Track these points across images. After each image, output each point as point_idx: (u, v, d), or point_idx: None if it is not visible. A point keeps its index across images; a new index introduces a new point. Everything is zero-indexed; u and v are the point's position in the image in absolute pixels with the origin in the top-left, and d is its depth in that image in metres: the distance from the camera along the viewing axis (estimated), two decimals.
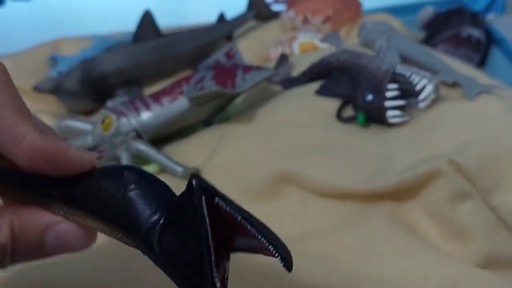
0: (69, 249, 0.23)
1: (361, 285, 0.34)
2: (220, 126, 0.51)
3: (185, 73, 0.69)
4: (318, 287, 0.35)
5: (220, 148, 0.47)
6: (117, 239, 0.22)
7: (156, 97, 0.51)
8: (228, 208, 0.19)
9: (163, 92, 0.51)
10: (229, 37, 0.74)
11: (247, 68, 0.50)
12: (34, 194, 0.23)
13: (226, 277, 0.21)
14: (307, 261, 0.37)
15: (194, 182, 0.19)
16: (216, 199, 0.19)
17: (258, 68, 0.51)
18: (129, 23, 0.79)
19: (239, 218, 0.19)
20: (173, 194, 0.22)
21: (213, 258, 0.19)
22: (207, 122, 0.55)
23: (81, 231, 0.23)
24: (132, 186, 0.21)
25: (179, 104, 0.49)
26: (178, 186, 0.46)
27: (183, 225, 0.20)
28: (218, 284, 0.19)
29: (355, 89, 0.48)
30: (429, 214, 0.38)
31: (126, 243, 0.22)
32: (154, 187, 0.22)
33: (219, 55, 0.56)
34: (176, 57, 0.69)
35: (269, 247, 0.20)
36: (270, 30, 0.74)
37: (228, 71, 0.50)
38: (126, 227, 0.21)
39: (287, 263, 0.21)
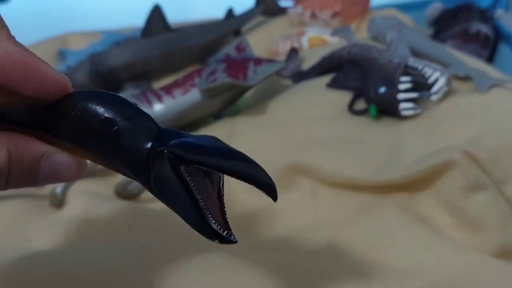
0: (62, 179, 0.24)
1: (373, 274, 0.34)
2: (230, 119, 0.51)
3: (193, 68, 0.69)
4: (331, 277, 0.35)
5: (231, 141, 0.47)
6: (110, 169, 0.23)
7: (168, 89, 0.51)
8: (199, 167, 0.21)
9: (175, 85, 0.51)
10: (237, 32, 0.74)
11: (258, 61, 0.50)
12: (21, 126, 0.24)
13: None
14: (319, 251, 0.37)
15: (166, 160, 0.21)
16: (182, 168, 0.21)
17: (269, 61, 0.51)
18: (137, 19, 0.79)
19: (214, 169, 0.21)
20: (154, 126, 0.23)
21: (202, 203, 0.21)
22: (217, 115, 0.55)
23: (74, 162, 0.23)
24: (119, 119, 0.22)
25: (191, 96, 0.50)
26: None
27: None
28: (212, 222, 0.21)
29: (367, 81, 0.48)
30: (442, 205, 0.38)
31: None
32: (137, 120, 0.22)
33: (229, 48, 0.56)
34: (184, 52, 0.69)
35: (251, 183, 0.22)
36: (278, 25, 0.74)
37: (240, 64, 0.50)
38: (119, 165, 0.22)
39: (270, 193, 0.23)
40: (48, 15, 1.25)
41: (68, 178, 0.24)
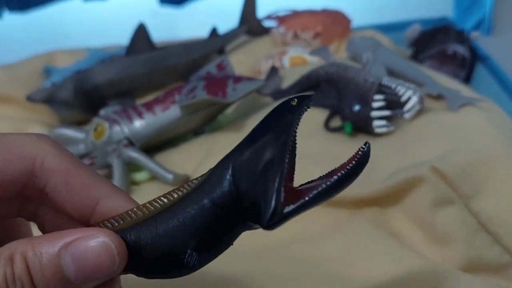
0: (96, 276, 0.19)
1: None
2: (210, 135, 0.52)
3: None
4: None
5: (210, 157, 0.48)
6: None
7: (149, 105, 0.52)
8: None
9: (156, 101, 0.52)
10: (221, 51, 0.75)
11: (238, 79, 0.52)
12: None
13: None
14: (294, 265, 0.38)
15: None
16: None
17: (249, 79, 0.52)
18: (123, 37, 0.81)
19: None
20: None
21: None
22: (197, 132, 0.56)
23: (108, 247, 0.19)
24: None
25: (171, 112, 0.51)
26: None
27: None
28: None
29: (342, 100, 0.49)
30: (412, 220, 0.39)
31: None
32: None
33: (210, 67, 0.57)
34: (168, 70, 0.70)
35: None
36: (261, 45, 0.75)
37: (219, 82, 0.51)
38: None
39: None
40: (37, 31, 1.26)
41: (105, 272, 0.19)
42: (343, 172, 0.22)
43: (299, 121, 0.22)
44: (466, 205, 0.38)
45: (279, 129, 0.22)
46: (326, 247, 0.39)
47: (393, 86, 0.47)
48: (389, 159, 0.43)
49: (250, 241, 0.41)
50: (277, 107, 0.22)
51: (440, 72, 0.62)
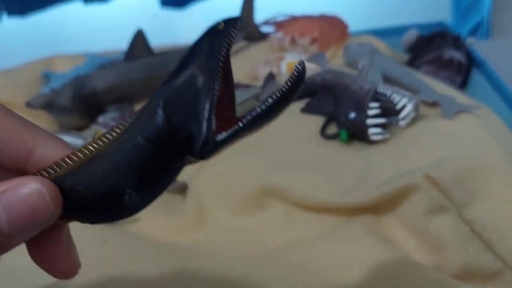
0: (30, 224, 0.18)
1: None
2: None
3: None
4: None
5: (206, 164, 0.48)
6: None
7: None
8: None
9: None
10: None
11: (235, 86, 0.52)
12: None
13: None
14: (288, 269, 0.38)
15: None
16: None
17: (246, 86, 0.52)
18: (124, 39, 0.81)
19: None
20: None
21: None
22: None
23: (40, 193, 0.19)
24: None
25: None
26: (165, 200, 0.47)
27: None
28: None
29: (339, 107, 0.50)
30: (406, 227, 0.39)
31: None
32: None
33: None
34: (166, 75, 0.70)
35: None
36: (259, 50, 0.76)
37: None
38: None
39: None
40: (36, 36, 1.26)
41: (37, 219, 0.19)
42: (278, 94, 0.20)
43: (229, 45, 0.21)
44: (460, 213, 0.38)
45: (206, 55, 0.20)
46: (322, 253, 0.39)
47: (388, 93, 0.48)
48: (384, 166, 0.44)
49: (247, 246, 0.42)
50: (203, 33, 0.21)
51: (436, 78, 0.62)
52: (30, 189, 0.18)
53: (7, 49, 1.22)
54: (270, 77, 0.61)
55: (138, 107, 0.69)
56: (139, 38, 0.69)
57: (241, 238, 0.43)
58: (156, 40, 0.83)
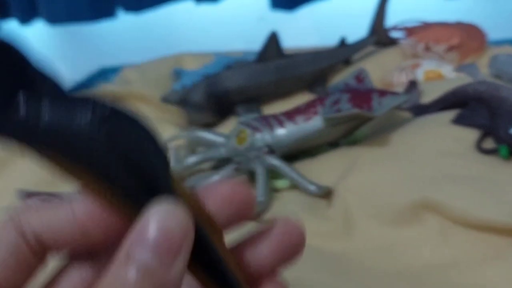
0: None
1: None
2: (350, 148, 0.52)
3: (303, 95, 0.71)
4: None
5: (353, 170, 0.48)
6: None
7: (290, 115, 0.52)
8: None
9: (297, 111, 0.52)
10: (347, 62, 0.74)
11: (383, 93, 0.51)
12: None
13: None
14: None
15: None
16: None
17: (393, 93, 0.51)
18: (233, 40, 0.82)
19: None
20: None
21: None
22: (333, 144, 0.56)
23: None
24: None
25: (313, 123, 0.51)
26: (309, 204, 0.46)
27: None
28: None
29: (496, 121, 0.47)
30: None
31: None
32: None
33: (348, 78, 0.57)
34: (296, 79, 0.70)
35: None
36: (389, 56, 0.74)
37: (364, 95, 0.50)
38: None
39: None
40: (149, 33, 1.32)
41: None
42: None
43: None
44: None
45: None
46: (486, 276, 0.37)
47: None
48: None
49: (398, 260, 0.40)
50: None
51: None
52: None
53: (123, 45, 1.28)
54: (412, 84, 0.59)
55: (265, 108, 0.70)
56: (273, 40, 0.69)
57: (392, 251, 0.41)
58: (260, 43, 0.84)
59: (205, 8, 1.22)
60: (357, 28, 0.76)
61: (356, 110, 0.47)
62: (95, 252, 0.19)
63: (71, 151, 0.16)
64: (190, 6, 1.23)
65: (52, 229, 0.18)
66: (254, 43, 0.87)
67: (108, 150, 0.16)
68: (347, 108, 0.48)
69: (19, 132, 0.16)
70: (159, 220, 0.16)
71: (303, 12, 1.16)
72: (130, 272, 0.16)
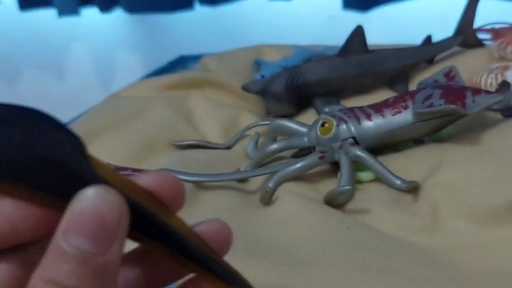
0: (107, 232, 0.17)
1: None
2: (437, 145, 0.51)
3: (383, 91, 0.70)
4: None
5: (441, 167, 0.47)
6: None
7: (378, 108, 0.52)
8: None
9: (385, 105, 0.52)
10: (431, 61, 0.73)
11: (476, 91, 0.50)
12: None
13: None
14: None
15: None
16: None
17: (488, 92, 0.50)
18: (301, 37, 0.83)
19: None
20: None
21: None
22: (417, 141, 0.55)
23: None
24: None
25: (402, 117, 0.50)
26: (393, 197, 0.46)
27: None
28: None
29: None
30: None
31: None
32: None
33: (438, 75, 0.56)
34: (377, 74, 0.70)
35: None
36: (475, 57, 0.72)
37: (457, 92, 0.49)
38: None
39: None
40: (224, 25, 1.34)
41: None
42: None
43: None
44: None
45: None
46: None
47: None
48: None
49: (487, 260, 0.40)
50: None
51: None
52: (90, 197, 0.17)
53: (200, 36, 1.31)
54: (504, 85, 0.57)
55: (343, 102, 0.70)
56: (357, 34, 0.68)
57: (482, 250, 0.40)
58: (331, 41, 0.83)
59: (277, 4, 1.23)
60: (427, 31, 0.75)
61: (452, 106, 0.46)
62: (23, 246, 0.18)
63: None
64: (263, 1, 1.24)
65: None
66: (324, 40, 0.87)
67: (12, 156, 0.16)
68: (439, 104, 0.48)
69: None
70: (90, 205, 0.16)
71: (375, 13, 1.15)
72: (66, 261, 0.16)
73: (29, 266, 0.17)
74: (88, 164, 0.18)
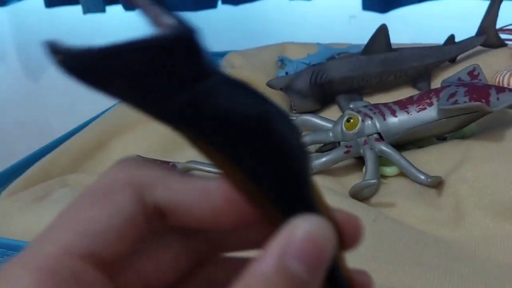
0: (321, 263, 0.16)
1: None
2: (460, 141, 0.52)
3: (405, 90, 0.71)
4: None
5: (465, 162, 0.48)
6: None
7: (403, 104, 0.53)
8: None
9: (410, 101, 0.53)
10: (453, 60, 0.74)
11: (501, 89, 0.51)
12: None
13: None
14: None
15: None
16: None
17: (511, 90, 0.51)
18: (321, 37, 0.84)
19: None
20: None
21: None
22: (440, 138, 0.56)
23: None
24: None
25: (426, 114, 0.51)
26: (418, 191, 0.47)
27: None
28: None
29: None
30: None
31: None
32: None
33: (461, 73, 0.57)
34: (400, 72, 0.71)
35: None
36: (496, 57, 0.73)
37: (482, 90, 0.50)
38: None
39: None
40: (244, 24, 1.35)
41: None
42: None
43: None
44: None
45: None
46: None
47: None
48: None
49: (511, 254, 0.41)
50: None
51: None
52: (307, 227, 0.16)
53: (222, 34, 1.33)
54: None
55: (365, 99, 0.71)
56: (382, 33, 0.70)
57: (506, 244, 0.42)
58: (351, 40, 0.84)
59: (297, 3, 1.25)
60: (449, 32, 0.76)
61: (476, 103, 0.47)
62: (206, 230, 0.19)
63: (232, 142, 0.15)
64: (284, 0, 1.26)
65: (179, 204, 0.17)
66: (345, 40, 0.88)
67: (264, 143, 0.15)
68: (463, 101, 0.49)
69: (186, 117, 0.15)
70: (310, 232, 0.16)
71: (395, 12, 1.15)
72: (280, 280, 0.15)
73: (208, 248, 0.19)
74: (309, 184, 0.17)
